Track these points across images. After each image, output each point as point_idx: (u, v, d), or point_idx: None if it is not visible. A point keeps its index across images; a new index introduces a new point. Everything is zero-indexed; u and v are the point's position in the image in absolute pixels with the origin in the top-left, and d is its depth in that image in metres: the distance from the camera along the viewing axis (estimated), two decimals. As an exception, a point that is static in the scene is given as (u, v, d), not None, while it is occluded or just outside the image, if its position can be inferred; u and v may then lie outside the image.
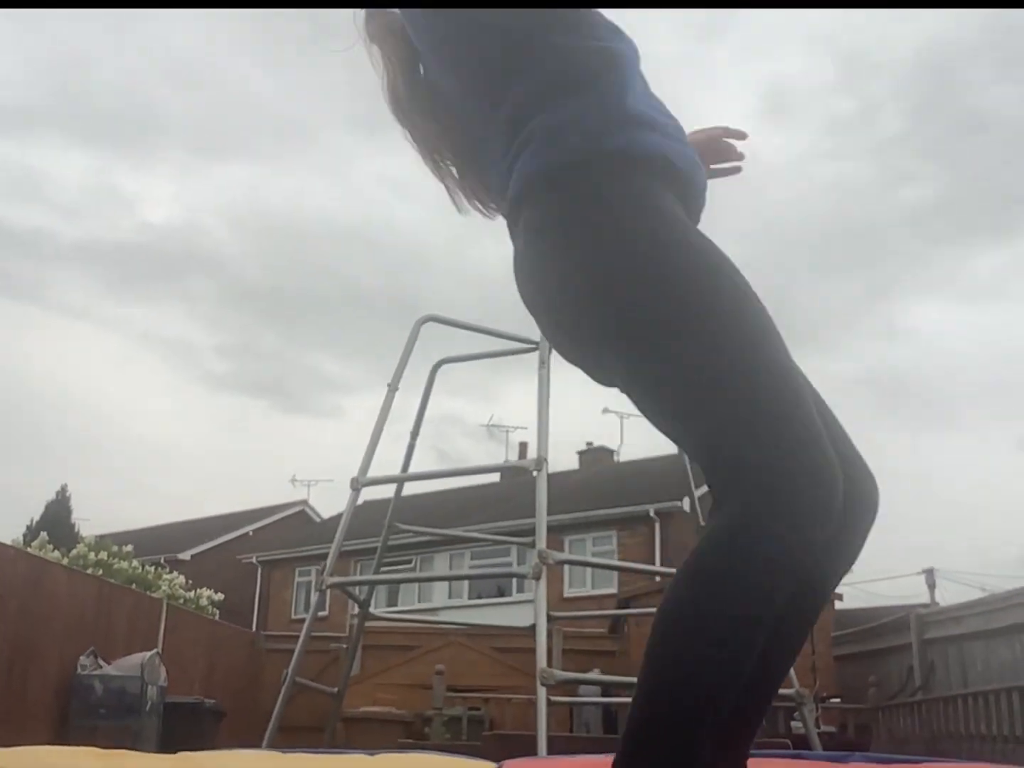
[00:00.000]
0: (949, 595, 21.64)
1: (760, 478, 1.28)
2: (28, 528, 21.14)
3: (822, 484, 1.29)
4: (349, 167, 38.69)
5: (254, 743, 5.71)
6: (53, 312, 40.47)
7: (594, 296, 1.39)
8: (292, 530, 27.42)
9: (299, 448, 44.88)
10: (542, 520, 4.72)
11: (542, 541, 4.62)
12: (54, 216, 38.96)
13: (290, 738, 6.57)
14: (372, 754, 3.33)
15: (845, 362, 43.12)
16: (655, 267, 1.36)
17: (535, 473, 4.87)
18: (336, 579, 5.47)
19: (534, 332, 5.76)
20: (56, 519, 21.37)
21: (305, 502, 29.99)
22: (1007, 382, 44.92)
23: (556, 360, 5.73)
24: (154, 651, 10.35)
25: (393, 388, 5.70)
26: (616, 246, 1.38)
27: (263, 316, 45.38)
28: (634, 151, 1.44)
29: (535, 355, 5.64)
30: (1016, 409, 44.63)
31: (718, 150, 1.80)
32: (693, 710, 1.25)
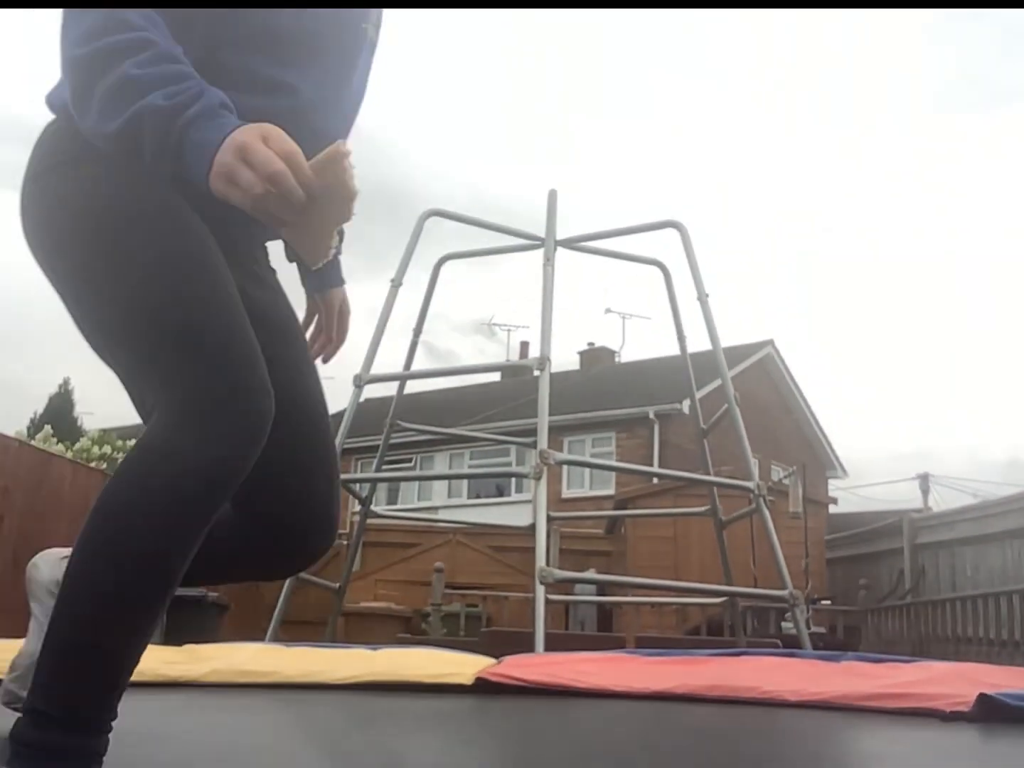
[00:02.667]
0: (943, 501, 21.89)
1: (171, 397, 1.29)
2: (32, 421, 21.24)
3: (240, 403, 1.28)
4: None
5: (257, 636, 5.84)
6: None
7: (46, 250, 1.44)
8: (293, 428, 27.57)
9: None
10: (544, 420, 4.73)
11: (543, 441, 4.65)
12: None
13: (292, 631, 6.71)
14: (374, 648, 3.40)
15: (832, 255, 42.85)
16: (87, 230, 1.38)
17: (538, 372, 4.87)
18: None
19: (539, 228, 5.71)
20: (59, 413, 21.46)
21: (306, 400, 30.10)
22: (998, 281, 44.67)
23: (560, 257, 5.69)
24: (158, 544, 10.49)
25: (397, 284, 5.67)
26: (64, 204, 1.41)
27: None
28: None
29: (539, 252, 5.59)
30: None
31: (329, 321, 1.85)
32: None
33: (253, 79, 1.46)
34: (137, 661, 1.31)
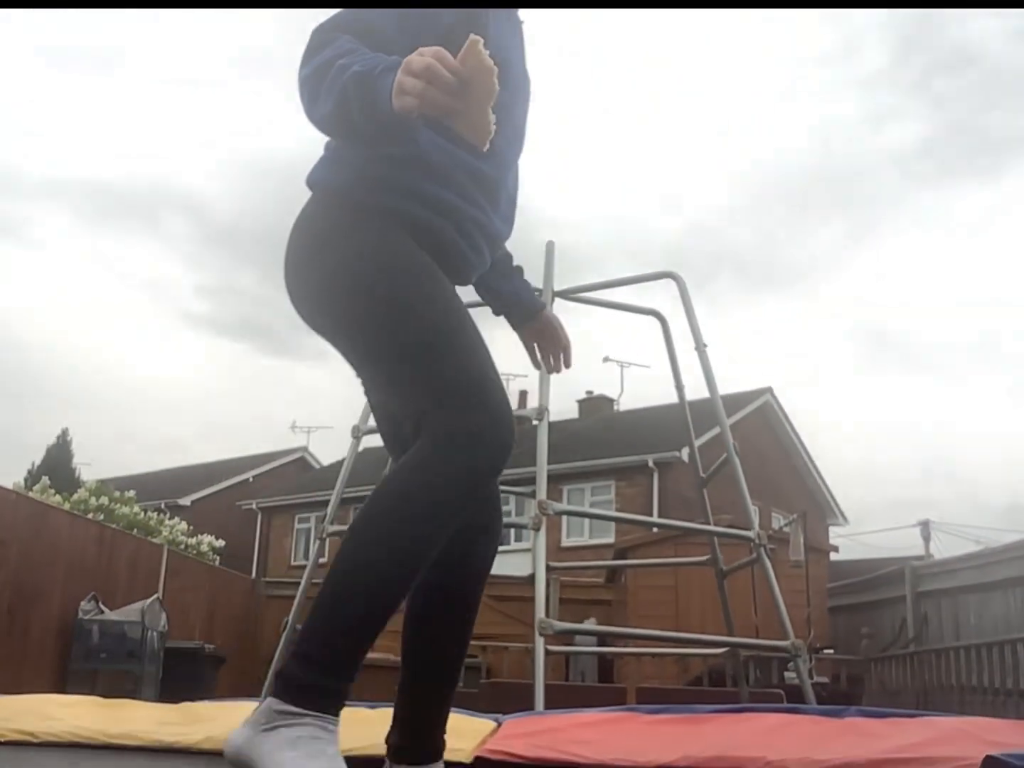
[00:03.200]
0: (944, 548, 21.80)
1: (440, 418, 1.59)
2: (29, 472, 21.18)
3: (497, 424, 1.60)
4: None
5: (254, 688, 5.77)
6: (28, 249, 40.03)
7: (324, 301, 1.74)
8: (292, 476, 27.53)
9: (295, 393, 44.96)
10: (542, 470, 4.71)
11: (542, 491, 4.63)
12: (20, 148, 38.42)
13: (289, 684, 6.62)
14: (373, 707, 3.35)
15: (829, 307, 43.07)
16: (372, 285, 1.68)
17: (536, 422, 4.85)
18: (337, 527, 5.48)
19: (536, 278, 5.72)
20: (57, 463, 21.41)
21: (305, 448, 30.08)
22: (992, 330, 44.92)
23: (558, 307, 5.70)
24: (155, 596, 10.42)
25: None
26: (348, 262, 1.70)
27: (239, 256, 45.20)
28: (384, 207, 1.73)
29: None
30: (1005, 359, 44.67)
31: (551, 337, 2.16)
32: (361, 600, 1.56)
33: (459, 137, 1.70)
34: (383, 627, 1.60)
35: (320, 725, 1.50)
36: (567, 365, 2.17)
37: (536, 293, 5.78)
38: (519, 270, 2.13)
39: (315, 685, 1.52)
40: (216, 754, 2.61)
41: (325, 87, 1.56)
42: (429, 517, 1.57)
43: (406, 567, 1.58)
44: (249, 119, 40.20)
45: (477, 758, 2.69)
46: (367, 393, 1.93)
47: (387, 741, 1.86)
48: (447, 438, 1.57)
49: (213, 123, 39.40)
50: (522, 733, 2.90)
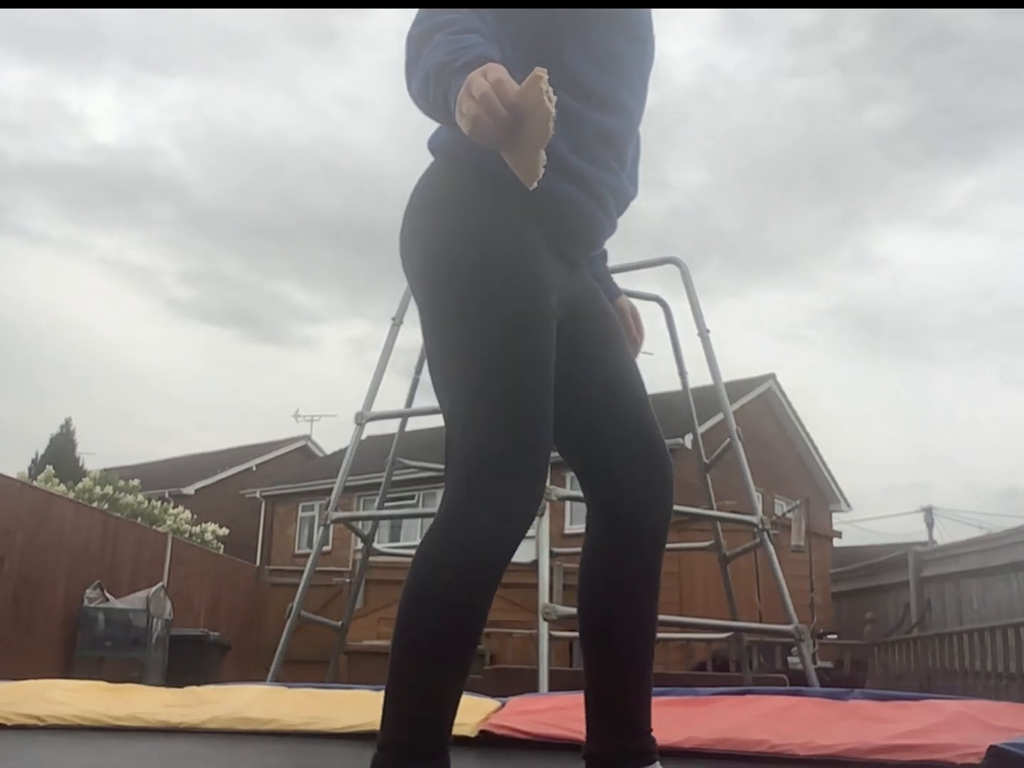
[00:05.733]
0: (947, 533, 21.81)
1: (463, 471, 1.49)
2: (33, 462, 21.22)
3: (523, 477, 1.49)
4: (296, 82, 38.24)
5: (259, 676, 5.79)
6: (10, 237, 39.89)
7: (416, 264, 1.65)
8: (295, 465, 27.54)
9: (293, 381, 44.85)
10: (545, 457, 4.72)
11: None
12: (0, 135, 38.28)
13: (294, 671, 6.66)
14: (377, 689, 3.36)
15: (817, 292, 42.96)
16: (457, 266, 1.58)
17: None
18: (340, 514, 5.50)
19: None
20: (61, 453, 21.44)
21: (308, 437, 30.10)
22: (982, 314, 44.83)
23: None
24: (159, 585, 10.45)
25: (398, 322, 5.67)
26: (446, 234, 1.61)
27: (223, 242, 44.99)
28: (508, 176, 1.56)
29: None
30: (994, 342, 44.57)
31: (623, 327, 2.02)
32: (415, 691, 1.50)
33: (589, 91, 1.67)
34: (460, 692, 1.53)
35: None
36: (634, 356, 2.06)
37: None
38: (603, 254, 2.04)
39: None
40: (221, 733, 2.63)
41: (420, 61, 1.50)
42: (450, 608, 1.49)
43: (451, 646, 1.51)
44: (232, 102, 40.05)
45: (482, 731, 2.70)
46: None
47: (585, 756, 1.73)
48: (458, 511, 1.49)
49: (194, 106, 39.23)
50: (526, 711, 2.92)
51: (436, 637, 1.48)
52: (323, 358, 47.64)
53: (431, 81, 1.45)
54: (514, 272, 1.58)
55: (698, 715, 2.93)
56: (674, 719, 2.87)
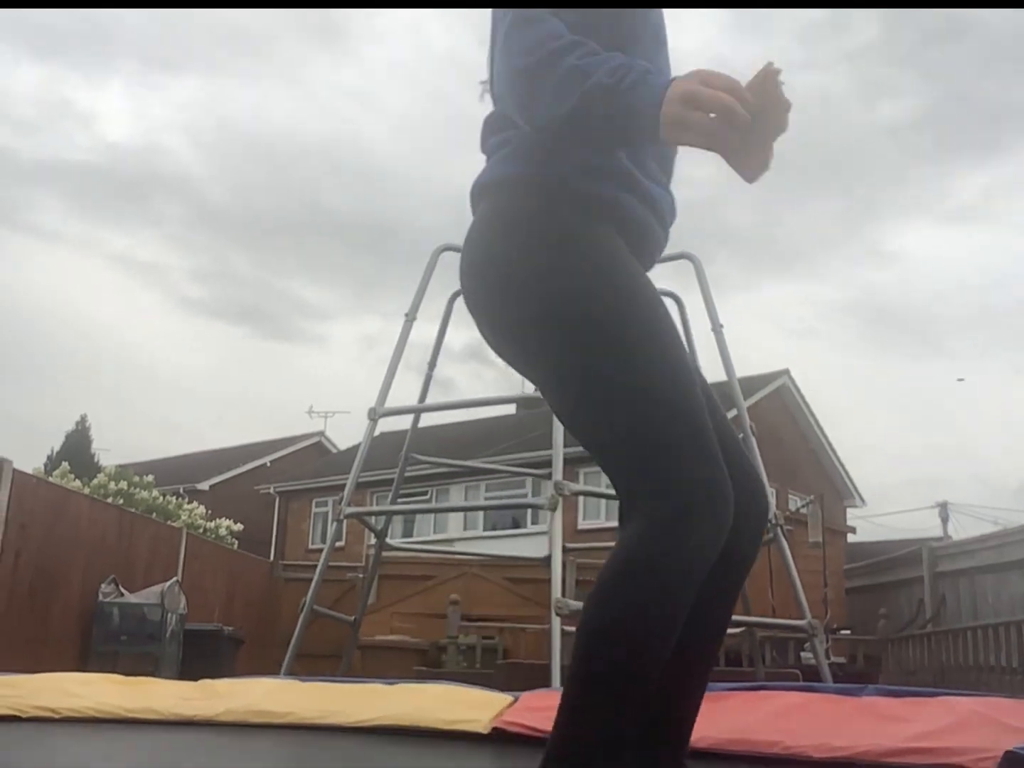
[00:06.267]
0: (961, 529, 21.73)
1: (657, 502, 1.42)
2: (49, 458, 21.34)
3: (716, 502, 1.43)
4: (305, 80, 38.20)
5: (272, 670, 5.81)
6: (24, 234, 39.96)
7: (521, 302, 1.51)
8: (309, 461, 27.64)
9: (306, 377, 44.91)
10: (559, 452, 4.71)
11: (558, 473, 4.63)
12: (11, 134, 38.34)
13: (307, 665, 6.69)
14: (390, 683, 3.38)
15: (829, 286, 42.78)
16: (583, 286, 1.48)
17: (551, 407, 4.86)
18: (353, 509, 5.51)
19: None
20: (76, 449, 21.56)
21: (322, 433, 30.19)
22: (997, 308, 44.60)
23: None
24: (174, 579, 10.50)
25: (411, 318, 5.67)
26: (552, 260, 1.50)
27: (233, 239, 45.08)
28: (591, 194, 1.56)
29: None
30: (1009, 336, 44.34)
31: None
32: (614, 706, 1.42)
33: None
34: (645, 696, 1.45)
35: None
36: None
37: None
38: None
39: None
40: (235, 726, 2.64)
41: (554, 87, 1.42)
42: (658, 616, 1.41)
43: (649, 661, 1.43)
44: (241, 100, 40.11)
45: (494, 729, 2.71)
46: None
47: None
48: (661, 526, 1.42)
49: (203, 103, 39.33)
50: (539, 707, 2.92)
51: (653, 647, 1.41)
52: (334, 354, 47.77)
53: (596, 100, 1.38)
54: (652, 299, 1.52)
55: (712, 712, 2.91)
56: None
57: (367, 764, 2.38)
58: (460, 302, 6.34)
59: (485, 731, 2.72)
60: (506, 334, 1.57)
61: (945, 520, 22.90)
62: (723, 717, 2.85)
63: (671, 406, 1.44)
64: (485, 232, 1.58)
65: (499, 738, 2.70)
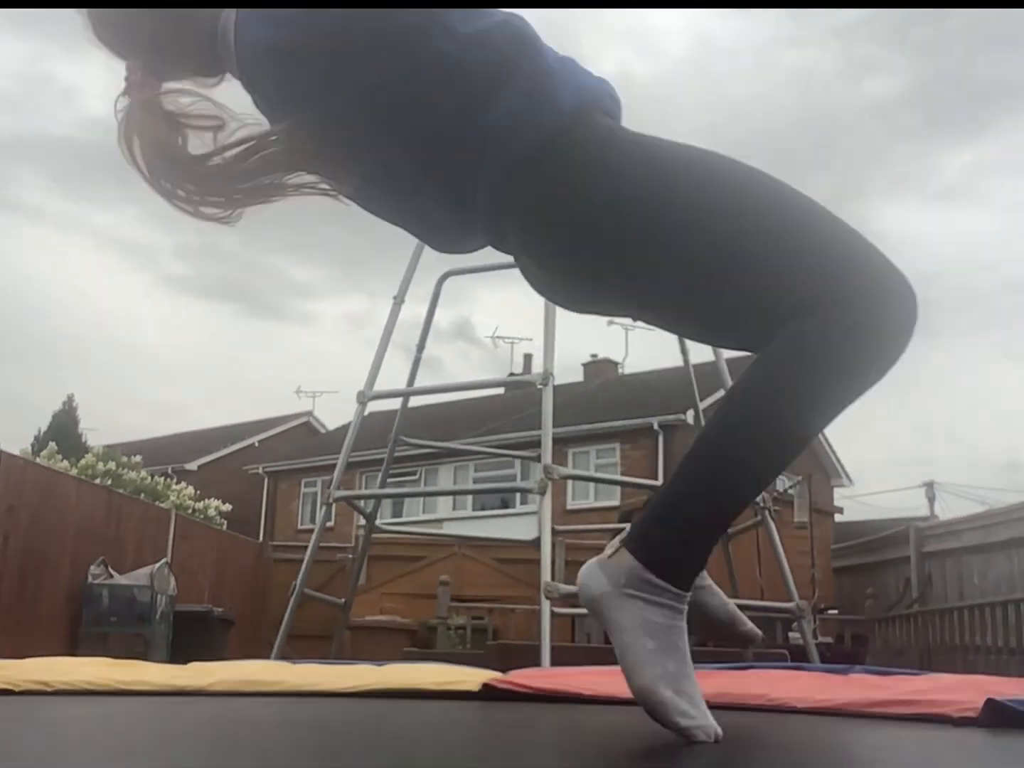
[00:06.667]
0: (948, 508, 21.87)
1: (847, 298, 1.35)
2: (36, 439, 21.26)
3: (908, 285, 1.40)
4: None
5: (263, 652, 5.82)
6: (6, 211, 39.67)
7: (627, 214, 1.46)
8: (298, 441, 27.62)
9: (293, 357, 44.80)
10: (547, 435, 4.71)
11: (547, 456, 4.64)
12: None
13: (297, 646, 6.70)
14: (380, 664, 3.39)
15: None
16: (668, 175, 1.46)
17: (541, 387, 4.86)
18: (342, 493, 5.52)
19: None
20: (63, 429, 21.47)
21: (310, 413, 30.17)
22: (984, 288, 44.73)
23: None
24: (163, 561, 10.51)
25: (399, 301, 5.66)
26: (624, 171, 1.46)
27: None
28: (589, 101, 1.54)
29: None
30: (997, 316, 44.50)
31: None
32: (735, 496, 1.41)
33: None
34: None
35: (678, 609, 1.42)
36: None
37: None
38: None
39: (679, 560, 1.41)
40: (227, 695, 2.66)
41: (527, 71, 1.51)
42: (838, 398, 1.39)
43: (787, 457, 1.43)
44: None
45: (484, 685, 2.73)
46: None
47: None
48: (852, 318, 1.34)
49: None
50: (528, 676, 2.96)
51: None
52: (322, 333, 47.66)
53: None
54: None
55: (702, 682, 2.95)
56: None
57: (359, 719, 2.40)
58: (449, 284, 6.34)
59: (475, 688, 2.75)
60: (609, 247, 1.48)
61: (932, 500, 23.03)
62: (709, 682, 2.89)
63: (817, 207, 1.43)
64: (564, 186, 1.50)
65: (489, 695, 2.72)
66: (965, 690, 2.63)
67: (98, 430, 23.11)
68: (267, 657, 4.66)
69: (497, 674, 3.07)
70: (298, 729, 2.21)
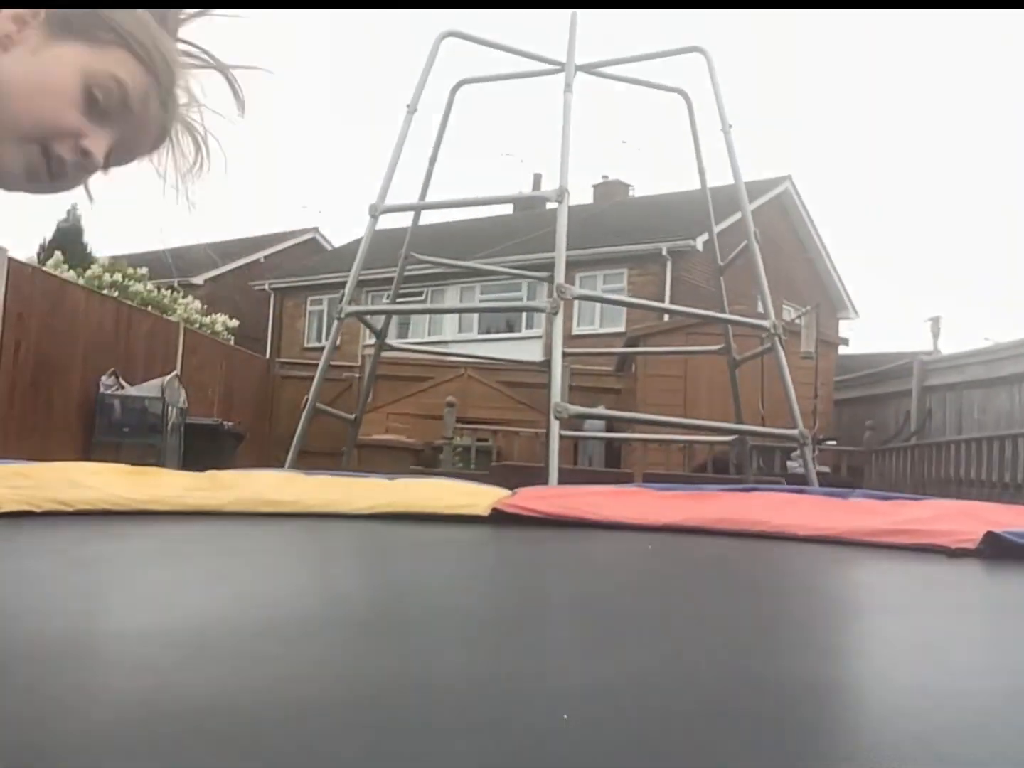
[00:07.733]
0: (954, 345, 21.88)
1: None
2: (41, 247, 21.10)
3: None
4: None
5: (272, 466, 5.92)
6: None
7: None
8: (304, 257, 27.44)
9: (298, 171, 43.86)
10: (561, 254, 4.62)
11: (560, 275, 4.57)
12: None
13: (306, 461, 6.82)
14: (391, 478, 3.45)
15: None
16: None
17: (555, 204, 4.76)
18: (354, 308, 5.50)
19: (559, 53, 5.51)
20: (68, 238, 21.26)
21: (316, 229, 29.86)
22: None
23: (580, 82, 5.52)
24: (173, 373, 10.60)
25: (412, 110, 5.51)
26: None
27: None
28: None
29: (559, 77, 5.41)
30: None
31: None
32: None
33: None
34: None
35: None
36: None
37: (558, 67, 5.58)
38: None
39: None
40: (241, 515, 2.72)
41: None
42: None
43: None
44: None
45: (493, 510, 2.80)
46: None
47: None
48: None
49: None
50: (536, 496, 3.01)
51: None
52: (325, 149, 46.62)
53: None
54: None
55: (702, 504, 3.02)
56: (678, 506, 2.96)
57: (374, 540, 2.46)
58: (462, 92, 6.15)
59: (484, 513, 2.81)
60: None
61: (936, 334, 23.01)
62: (711, 504, 2.94)
63: None
64: None
65: (498, 518, 2.79)
66: (963, 519, 2.68)
67: (104, 239, 22.88)
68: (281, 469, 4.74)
69: (505, 492, 3.13)
70: (314, 553, 2.26)
